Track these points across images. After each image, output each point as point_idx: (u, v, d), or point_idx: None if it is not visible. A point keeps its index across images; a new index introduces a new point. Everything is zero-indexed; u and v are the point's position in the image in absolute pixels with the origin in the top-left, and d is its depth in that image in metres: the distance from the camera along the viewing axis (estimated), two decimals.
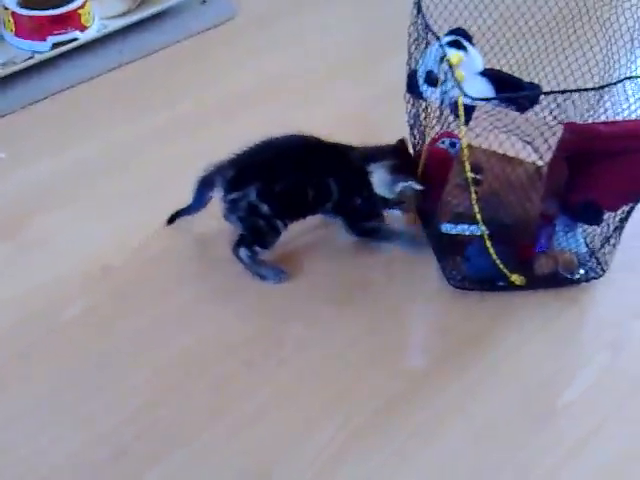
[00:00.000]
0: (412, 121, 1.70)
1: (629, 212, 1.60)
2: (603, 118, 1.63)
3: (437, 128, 1.71)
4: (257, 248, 1.63)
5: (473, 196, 1.52)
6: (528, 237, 1.62)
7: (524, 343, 1.57)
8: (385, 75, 2.13)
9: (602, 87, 1.52)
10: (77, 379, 1.47)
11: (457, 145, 1.64)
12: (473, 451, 1.40)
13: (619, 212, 1.60)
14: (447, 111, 1.58)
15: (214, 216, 1.68)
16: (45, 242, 1.71)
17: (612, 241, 1.63)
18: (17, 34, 2.16)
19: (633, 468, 1.40)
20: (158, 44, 2.27)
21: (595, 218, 1.61)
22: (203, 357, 1.52)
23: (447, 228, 1.62)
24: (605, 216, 1.61)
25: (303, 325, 1.58)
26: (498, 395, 1.48)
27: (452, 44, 1.61)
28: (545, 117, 1.62)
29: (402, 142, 1.66)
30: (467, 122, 1.50)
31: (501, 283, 1.63)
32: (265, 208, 1.61)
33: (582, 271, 1.67)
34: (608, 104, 1.61)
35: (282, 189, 1.61)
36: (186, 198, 1.72)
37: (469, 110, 1.50)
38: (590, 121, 1.64)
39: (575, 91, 1.55)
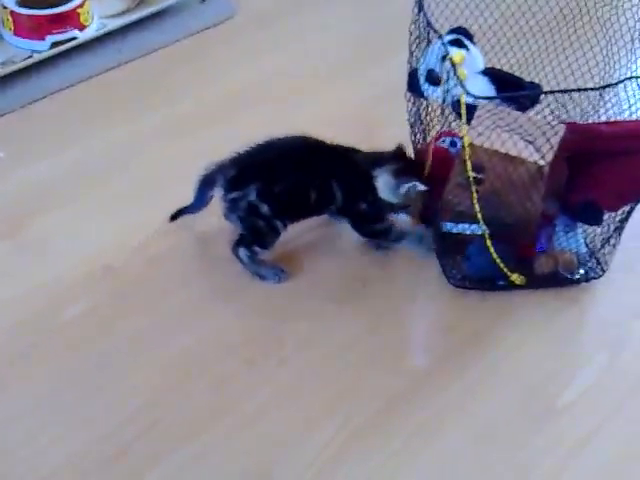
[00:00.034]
0: (412, 120, 1.70)
1: (629, 212, 1.60)
2: (604, 118, 1.63)
3: (438, 127, 1.71)
4: (256, 248, 1.63)
5: (474, 195, 1.52)
6: (528, 237, 1.62)
7: (524, 343, 1.58)
8: (385, 74, 2.13)
9: (603, 87, 1.52)
10: (77, 379, 1.47)
11: (457, 144, 1.64)
12: (473, 451, 1.40)
13: (619, 212, 1.60)
14: (449, 110, 1.58)
15: (215, 214, 1.68)
16: (45, 242, 1.71)
17: (612, 241, 1.64)
18: (16, 33, 2.16)
19: (633, 468, 1.40)
20: (157, 43, 2.27)
21: (595, 218, 1.61)
22: (203, 357, 1.52)
23: (448, 227, 1.62)
24: (605, 216, 1.61)
25: (303, 324, 1.58)
26: (498, 395, 1.48)
27: (453, 43, 1.61)
28: (546, 117, 1.62)
29: (400, 148, 1.66)
30: (469, 121, 1.50)
31: (501, 282, 1.63)
32: (265, 208, 1.61)
33: (582, 271, 1.67)
34: (609, 104, 1.60)
35: (282, 190, 1.60)
36: (186, 197, 1.72)
37: (471, 109, 1.50)
38: (591, 121, 1.64)
39: (576, 91, 1.55)
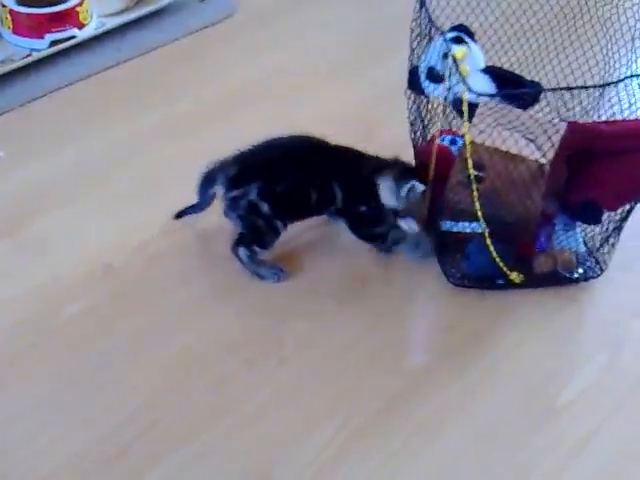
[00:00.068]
0: (413, 117, 1.70)
1: (629, 212, 1.60)
2: (605, 117, 1.63)
3: (438, 125, 1.71)
4: (256, 248, 1.63)
5: (475, 193, 1.52)
6: (528, 236, 1.62)
7: (523, 342, 1.58)
8: (385, 73, 2.13)
9: (604, 85, 1.52)
10: (77, 379, 1.47)
11: (457, 142, 1.65)
12: (473, 450, 1.40)
13: (619, 212, 1.60)
14: (449, 108, 1.58)
15: (215, 213, 1.68)
16: (45, 241, 1.71)
17: (611, 240, 1.64)
18: (15, 32, 2.15)
19: (633, 468, 1.40)
20: (156, 42, 2.27)
21: (594, 218, 1.61)
22: (203, 356, 1.52)
23: (448, 226, 1.62)
24: (604, 216, 1.61)
25: (304, 324, 1.58)
26: (498, 394, 1.48)
27: (454, 40, 1.61)
28: (548, 114, 1.62)
29: (397, 159, 1.66)
30: (470, 119, 1.50)
31: (500, 281, 1.63)
32: (265, 208, 1.61)
33: (581, 270, 1.67)
34: (608, 104, 1.60)
35: (283, 189, 1.60)
36: (186, 196, 1.72)
37: (472, 107, 1.50)
38: (591, 120, 1.64)
39: (578, 88, 1.54)
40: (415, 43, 1.62)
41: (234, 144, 1.63)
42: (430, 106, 1.69)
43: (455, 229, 1.62)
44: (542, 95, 1.62)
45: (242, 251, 1.63)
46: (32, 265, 1.67)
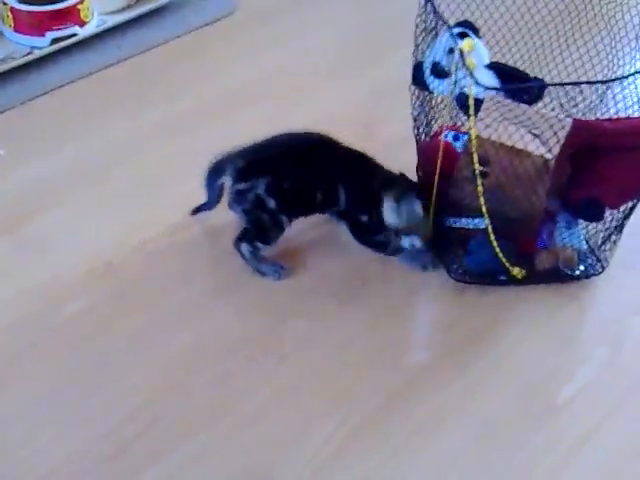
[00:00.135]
0: (416, 113, 1.69)
1: (631, 210, 1.60)
2: (610, 114, 1.62)
3: (440, 121, 1.71)
4: (258, 244, 1.63)
5: (480, 189, 1.52)
6: (531, 232, 1.62)
7: (524, 340, 1.57)
8: (385, 72, 2.14)
9: (611, 80, 1.52)
10: (77, 378, 1.47)
11: (460, 138, 1.64)
12: (473, 449, 1.40)
13: (621, 209, 1.60)
14: (453, 104, 1.57)
15: (215, 211, 1.68)
16: (45, 240, 1.71)
17: (613, 238, 1.63)
18: (16, 29, 2.15)
19: (634, 465, 1.40)
20: (157, 40, 2.27)
21: (597, 215, 1.61)
22: (203, 355, 1.51)
23: (451, 221, 1.62)
24: (607, 213, 1.61)
25: (304, 322, 1.58)
26: (499, 392, 1.48)
27: (459, 36, 1.60)
28: (554, 109, 1.62)
29: (402, 175, 1.65)
30: (475, 114, 1.50)
31: (502, 277, 1.63)
32: (272, 203, 1.60)
33: (582, 267, 1.67)
34: (612, 102, 1.60)
35: (290, 186, 1.60)
36: (186, 194, 1.72)
37: (477, 103, 1.50)
38: (596, 117, 1.63)
39: (583, 83, 1.54)
40: (420, 38, 1.61)
41: (234, 142, 1.63)
42: (434, 102, 1.69)
43: (458, 225, 1.62)
44: (546, 91, 1.62)
45: (244, 247, 1.63)
46: (32, 264, 1.66)
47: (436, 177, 1.59)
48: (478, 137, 1.49)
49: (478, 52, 1.61)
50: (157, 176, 1.86)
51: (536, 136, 1.52)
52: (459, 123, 1.73)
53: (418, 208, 1.59)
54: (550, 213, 1.63)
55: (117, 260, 1.66)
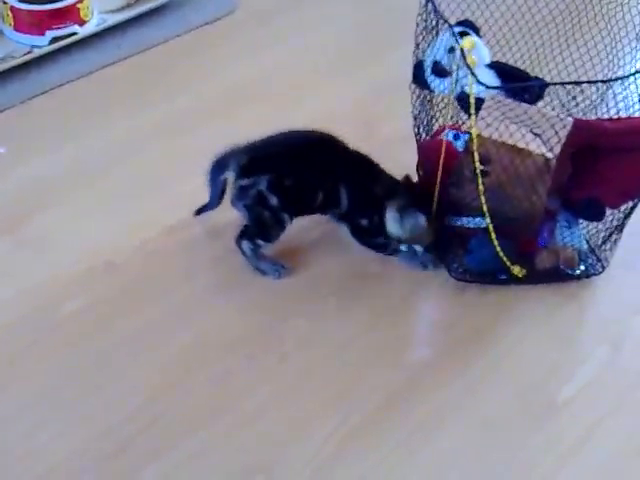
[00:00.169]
0: (416, 112, 1.69)
1: (632, 209, 1.60)
2: (611, 113, 1.62)
3: (441, 120, 1.71)
4: (260, 241, 1.63)
5: (480, 188, 1.52)
6: (531, 231, 1.61)
7: (524, 339, 1.57)
8: (385, 70, 2.14)
9: (612, 80, 1.52)
10: (76, 377, 1.47)
11: (461, 137, 1.64)
12: (474, 448, 1.40)
13: (622, 209, 1.60)
14: (455, 102, 1.57)
15: (215, 211, 1.68)
16: (45, 239, 1.71)
17: (613, 238, 1.63)
18: (16, 28, 2.15)
19: (634, 464, 1.40)
20: (157, 39, 2.27)
21: (597, 215, 1.61)
22: (203, 353, 1.51)
23: (451, 220, 1.62)
24: (607, 213, 1.61)
25: (304, 321, 1.58)
26: (499, 391, 1.48)
27: (460, 35, 1.60)
28: (554, 108, 1.62)
29: (407, 178, 1.65)
30: (476, 113, 1.49)
31: (502, 276, 1.63)
32: (274, 200, 1.60)
33: (582, 267, 1.67)
34: (613, 103, 1.60)
35: (292, 184, 1.59)
36: (185, 193, 1.72)
37: (478, 102, 1.50)
38: (596, 117, 1.63)
39: (584, 82, 1.54)
40: (420, 37, 1.61)
41: (234, 141, 1.62)
42: (434, 101, 1.69)
43: (459, 223, 1.62)
44: (547, 90, 1.62)
45: (245, 244, 1.63)
46: (32, 263, 1.66)
47: (438, 178, 1.59)
48: (479, 136, 1.49)
49: (479, 51, 1.61)
50: (157, 175, 1.85)
51: (537, 135, 1.52)
52: (460, 122, 1.72)
53: (422, 221, 1.59)
54: (551, 212, 1.63)
55: (117, 259, 1.66)
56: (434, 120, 1.72)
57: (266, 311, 1.60)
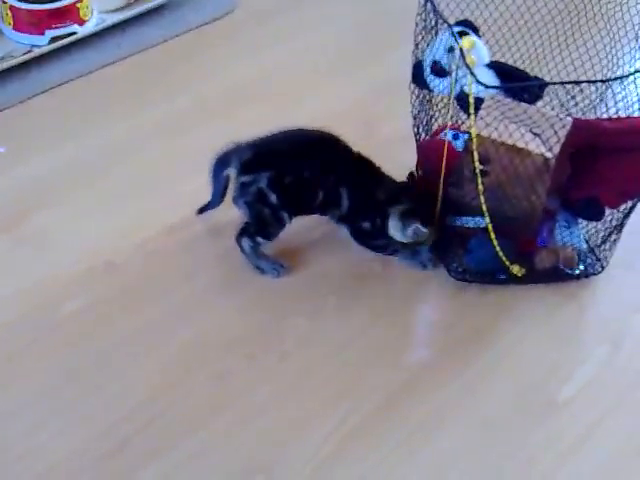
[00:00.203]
0: (416, 111, 1.69)
1: (631, 209, 1.60)
2: (610, 113, 1.62)
3: (440, 120, 1.71)
4: (259, 239, 1.63)
5: (480, 187, 1.52)
6: (531, 231, 1.62)
7: (524, 338, 1.58)
8: (385, 70, 2.14)
9: (611, 79, 1.52)
10: (76, 376, 1.47)
11: (460, 137, 1.64)
12: (474, 447, 1.40)
13: (621, 209, 1.60)
14: (455, 102, 1.57)
15: (215, 210, 1.68)
16: (44, 238, 1.71)
17: (613, 237, 1.64)
18: (15, 28, 2.15)
19: (634, 463, 1.40)
20: (157, 38, 2.26)
21: (596, 215, 1.61)
22: (203, 353, 1.51)
23: (451, 220, 1.62)
24: (607, 213, 1.61)
25: (304, 320, 1.58)
26: (499, 391, 1.48)
27: (459, 35, 1.60)
28: (554, 108, 1.62)
29: (412, 175, 1.65)
30: (475, 113, 1.49)
31: (502, 276, 1.63)
32: (273, 197, 1.60)
33: (582, 267, 1.67)
34: (612, 102, 1.60)
35: (292, 182, 1.59)
36: (185, 192, 1.72)
37: (477, 102, 1.50)
38: (595, 117, 1.64)
39: (584, 82, 1.54)
40: (420, 37, 1.61)
41: (234, 141, 1.63)
42: (434, 100, 1.69)
43: (458, 223, 1.62)
44: (547, 90, 1.62)
45: (245, 241, 1.63)
46: (32, 262, 1.66)
47: (442, 178, 1.59)
48: (478, 136, 1.49)
49: (478, 51, 1.61)
50: (157, 174, 1.85)
51: (536, 135, 1.52)
52: (459, 122, 1.72)
53: (423, 228, 1.59)
54: (550, 212, 1.63)
55: (117, 258, 1.66)
56: (433, 120, 1.73)
57: (266, 310, 1.60)
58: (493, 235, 1.56)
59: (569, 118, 1.53)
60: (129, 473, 1.34)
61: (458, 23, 1.64)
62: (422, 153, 1.70)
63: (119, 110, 2.04)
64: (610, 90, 1.61)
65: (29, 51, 2.12)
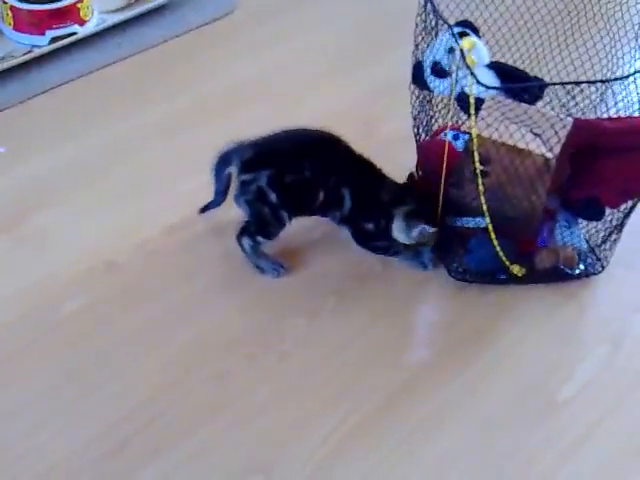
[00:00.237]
0: (416, 112, 1.69)
1: (631, 209, 1.60)
2: (610, 113, 1.62)
3: (441, 120, 1.71)
4: (260, 238, 1.63)
5: (480, 188, 1.52)
6: (531, 231, 1.62)
7: (524, 338, 1.58)
8: (385, 70, 2.14)
9: (612, 80, 1.52)
10: (76, 376, 1.46)
11: (460, 137, 1.64)
12: (474, 447, 1.40)
13: (621, 209, 1.60)
14: (455, 103, 1.57)
15: (215, 210, 1.68)
16: (44, 237, 1.71)
17: (613, 237, 1.64)
18: (16, 28, 2.15)
19: (633, 462, 1.40)
20: (157, 38, 2.27)
21: (596, 214, 1.61)
22: (203, 352, 1.51)
23: (451, 220, 1.62)
24: (607, 212, 1.61)
25: (304, 320, 1.58)
26: (499, 391, 1.48)
27: (459, 35, 1.60)
28: (554, 108, 1.62)
29: (412, 176, 1.65)
30: (476, 114, 1.50)
31: (502, 276, 1.63)
32: (273, 196, 1.60)
33: (582, 266, 1.67)
34: (612, 102, 1.60)
35: (292, 182, 1.59)
36: (185, 192, 1.72)
37: (478, 102, 1.50)
38: (595, 117, 1.64)
39: (584, 83, 1.54)
40: (419, 38, 1.61)
41: (234, 141, 1.63)
42: (434, 101, 1.69)
43: (459, 223, 1.62)
44: (547, 90, 1.62)
45: (246, 241, 1.63)
46: (32, 261, 1.66)
47: (443, 178, 1.58)
48: (479, 136, 1.49)
49: (478, 51, 1.61)
50: (157, 174, 1.86)
51: (537, 135, 1.52)
52: (459, 122, 1.72)
53: (428, 229, 1.58)
54: (550, 212, 1.63)
55: (117, 258, 1.66)
56: (433, 120, 1.73)
57: (266, 310, 1.60)
58: (493, 235, 1.56)
59: (569, 118, 1.53)
60: (129, 473, 1.34)
61: (458, 24, 1.64)
62: (422, 153, 1.70)
63: (119, 110, 2.04)
64: (610, 90, 1.61)
65: (29, 51, 2.12)
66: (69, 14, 2.15)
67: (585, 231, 1.70)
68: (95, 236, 1.71)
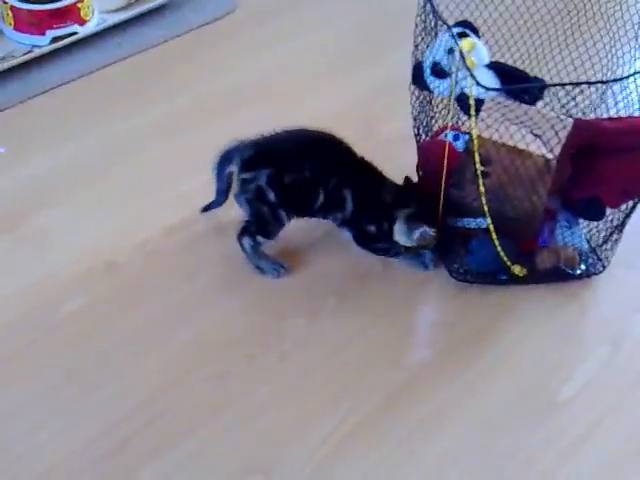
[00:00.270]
0: (416, 112, 1.69)
1: (632, 209, 1.60)
2: (610, 114, 1.62)
3: (441, 121, 1.71)
4: (260, 238, 1.63)
5: (481, 189, 1.52)
6: (532, 231, 1.61)
7: (525, 338, 1.57)
8: (385, 70, 2.14)
9: (612, 81, 1.52)
10: (76, 376, 1.46)
11: (460, 138, 1.64)
12: (474, 447, 1.40)
13: (622, 209, 1.60)
14: (455, 103, 1.57)
15: (215, 210, 1.69)
16: (45, 237, 1.71)
17: (614, 237, 1.63)
18: (16, 28, 2.15)
19: (634, 463, 1.40)
20: (157, 38, 2.27)
21: (597, 214, 1.61)
22: (203, 352, 1.51)
23: (452, 221, 1.62)
24: (608, 212, 1.61)
25: (304, 320, 1.58)
26: (499, 391, 1.48)
27: (459, 36, 1.60)
28: (554, 109, 1.62)
29: (408, 180, 1.65)
30: (476, 114, 1.49)
31: (503, 277, 1.63)
32: (272, 195, 1.60)
33: (583, 267, 1.67)
34: (612, 102, 1.60)
35: (292, 181, 1.59)
36: (185, 192, 1.72)
37: (478, 103, 1.50)
38: (595, 117, 1.63)
39: (584, 83, 1.54)
40: (419, 38, 1.61)
41: (237, 139, 1.63)
42: (434, 102, 1.69)
43: (460, 224, 1.62)
44: (547, 91, 1.62)
45: (246, 241, 1.63)
46: (31, 261, 1.66)
47: (444, 179, 1.58)
48: (479, 137, 1.49)
49: (478, 52, 1.61)
50: (157, 174, 1.85)
51: (537, 136, 1.52)
52: (460, 123, 1.72)
53: (430, 231, 1.58)
54: (551, 212, 1.63)
55: (117, 258, 1.66)
56: (434, 121, 1.73)
57: (266, 310, 1.60)
58: (494, 236, 1.56)
59: (569, 119, 1.53)
60: (129, 473, 1.34)
61: (458, 24, 1.64)
62: (423, 154, 1.69)
63: (119, 110, 2.04)
64: (610, 90, 1.61)
65: (30, 51, 2.12)
66: (69, 14, 2.16)
67: (586, 231, 1.70)
68: (95, 236, 1.71)
